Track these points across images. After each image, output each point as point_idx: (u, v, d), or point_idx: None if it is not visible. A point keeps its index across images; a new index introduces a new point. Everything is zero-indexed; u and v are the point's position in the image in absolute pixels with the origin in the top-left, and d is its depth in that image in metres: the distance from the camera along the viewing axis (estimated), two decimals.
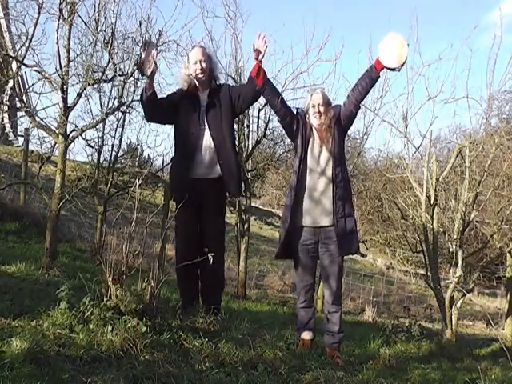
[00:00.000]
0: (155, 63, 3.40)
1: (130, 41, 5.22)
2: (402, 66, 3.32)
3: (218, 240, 3.59)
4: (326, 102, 3.46)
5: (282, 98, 3.49)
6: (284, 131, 4.00)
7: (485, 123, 5.48)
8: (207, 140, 3.52)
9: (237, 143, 5.40)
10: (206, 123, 3.53)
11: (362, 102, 3.59)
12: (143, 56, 3.40)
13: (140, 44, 4.84)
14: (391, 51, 3.29)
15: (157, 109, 3.57)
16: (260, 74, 3.38)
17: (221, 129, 3.52)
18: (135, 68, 3.59)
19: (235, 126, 6.10)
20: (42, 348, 2.31)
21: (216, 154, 3.51)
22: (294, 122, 3.46)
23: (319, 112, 3.41)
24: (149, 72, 3.40)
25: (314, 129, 3.45)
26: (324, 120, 3.42)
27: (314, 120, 3.44)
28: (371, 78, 3.36)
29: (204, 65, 3.53)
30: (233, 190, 3.68)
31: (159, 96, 3.61)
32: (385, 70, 3.38)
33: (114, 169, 6.63)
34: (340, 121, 3.43)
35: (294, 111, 3.53)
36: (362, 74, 3.39)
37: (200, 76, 3.54)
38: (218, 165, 3.52)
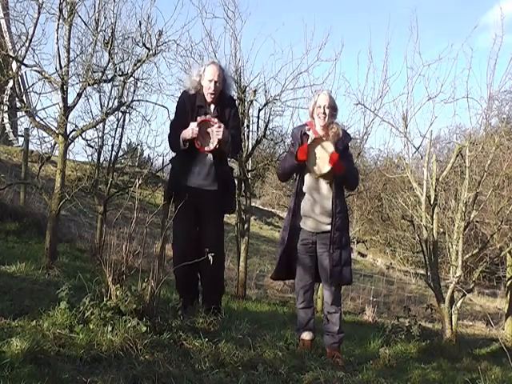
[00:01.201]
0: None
1: (130, 41, 5.23)
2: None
3: (218, 241, 3.59)
4: (331, 105, 3.48)
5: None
6: None
7: (485, 123, 5.48)
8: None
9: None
10: None
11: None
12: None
13: (140, 44, 4.85)
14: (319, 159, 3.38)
15: None
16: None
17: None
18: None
19: None
20: (42, 348, 2.31)
21: (214, 168, 3.55)
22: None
23: (324, 113, 3.43)
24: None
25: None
26: (328, 121, 3.44)
27: (318, 120, 3.46)
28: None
29: (218, 85, 3.55)
30: (226, 206, 3.74)
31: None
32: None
33: (114, 169, 6.62)
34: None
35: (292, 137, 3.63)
36: None
37: (210, 95, 3.57)
38: (214, 178, 3.55)
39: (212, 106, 3.61)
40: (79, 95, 4.73)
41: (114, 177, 6.64)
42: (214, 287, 3.63)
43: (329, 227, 3.41)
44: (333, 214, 3.39)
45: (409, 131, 5.50)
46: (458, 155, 5.31)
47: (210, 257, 3.04)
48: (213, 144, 3.48)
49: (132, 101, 5.98)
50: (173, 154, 3.89)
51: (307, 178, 3.46)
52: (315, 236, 3.44)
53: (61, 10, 4.49)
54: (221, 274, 3.69)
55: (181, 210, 3.33)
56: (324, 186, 3.43)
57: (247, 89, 6.17)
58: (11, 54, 4.97)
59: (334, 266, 3.37)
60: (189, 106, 3.60)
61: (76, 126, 4.94)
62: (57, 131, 4.65)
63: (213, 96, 3.57)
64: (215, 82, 3.53)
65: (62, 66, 4.51)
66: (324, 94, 3.52)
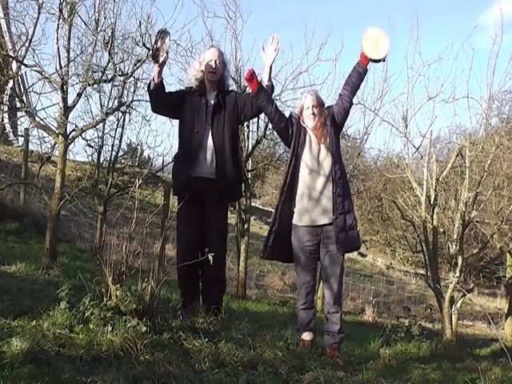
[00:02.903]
0: (167, 53, 3.43)
1: (130, 41, 5.24)
2: (385, 57, 3.37)
3: (220, 240, 3.59)
4: (320, 104, 3.49)
5: (276, 104, 3.52)
6: (279, 138, 3.98)
7: (485, 123, 5.48)
8: (210, 140, 3.54)
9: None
10: (209, 124, 3.55)
11: (357, 101, 3.56)
12: (158, 44, 3.40)
13: (140, 44, 4.86)
14: (373, 44, 3.35)
15: (163, 99, 3.59)
16: (254, 79, 3.39)
17: (222, 132, 3.55)
18: (150, 54, 3.55)
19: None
20: (42, 348, 2.31)
21: (214, 155, 3.54)
22: (288, 127, 3.46)
23: (313, 114, 3.43)
24: (161, 60, 3.41)
25: (308, 130, 3.46)
26: (318, 121, 3.44)
27: (308, 122, 3.46)
28: (359, 72, 3.39)
29: (218, 65, 3.58)
30: (228, 194, 3.70)
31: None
32: (371, 63, 3.41)
33: (114, 169, 6.63)
34: (335, 120, 3.46)
35: (287, 115, 3.56)
36: (350, 71, 3.43)
37: (212, 74, 3.57)
38: (216, 166, 3.53)
39: (214, 94, 3.61)
40: (79, 95, 4.73)
41: (114, 177, 6.65)
42: (214, 287, 3.63)
43: (327, 220, 3.38)
44: (332, 180, 3.35)
45: (409, 131, 5.51)
46: (457, 155, 5.31)
47: (210, 257, 3.04)
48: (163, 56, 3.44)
49: (132, 101, 6.00)
50: (172, 153, 3.91)
51: (303, 175, 3.43)
52: (318, 236, 3.43)
53: (61, 10, 4.49)
54: (222, 274, 3.69)
55: (185, 206, 3.33)
56: (319, 181, 3.40)
57: (247, 89, 6.18)
58: (11, 53, 4.98)
59: (339, 232, 3.35)
60: (188, 97, 3.61)
61: (76, 126, 4.94)
62: (57, 131, 4.65)
63: (215, 75, 3.58)
64: (215, 61, 3.57)
65: (62, 65, 4.51)
66: (310, 94, 3.52)
